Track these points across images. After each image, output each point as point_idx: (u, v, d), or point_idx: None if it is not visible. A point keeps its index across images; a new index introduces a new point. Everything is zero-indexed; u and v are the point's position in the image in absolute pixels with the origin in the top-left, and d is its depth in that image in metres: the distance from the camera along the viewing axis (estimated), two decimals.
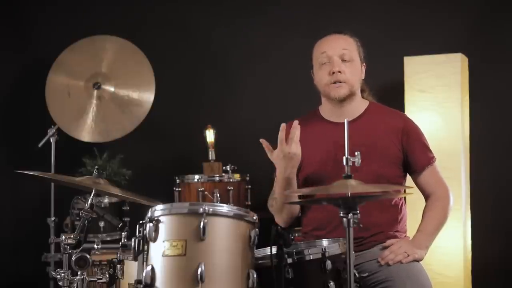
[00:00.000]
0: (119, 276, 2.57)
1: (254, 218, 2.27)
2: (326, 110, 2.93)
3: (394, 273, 2.62)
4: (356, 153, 2.28)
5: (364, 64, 2.92)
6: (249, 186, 4.20)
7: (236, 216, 2.24)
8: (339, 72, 2.81)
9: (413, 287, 2.57)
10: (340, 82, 2.81)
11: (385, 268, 2.65)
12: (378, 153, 2.78)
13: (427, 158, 2.87)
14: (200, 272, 2.11)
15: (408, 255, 2.67)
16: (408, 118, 2.96)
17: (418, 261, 2.71)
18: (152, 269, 2.18)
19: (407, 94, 4.04)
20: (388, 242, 2.74)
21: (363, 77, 2.93)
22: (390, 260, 2.66)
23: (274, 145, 3.01)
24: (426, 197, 2.89)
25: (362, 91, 2.97)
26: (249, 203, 4.18)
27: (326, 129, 2.89)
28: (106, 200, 4.13)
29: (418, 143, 2.87)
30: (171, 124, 4.81)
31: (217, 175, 4.15)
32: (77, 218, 3.98)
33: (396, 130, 2.84)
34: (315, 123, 2.94)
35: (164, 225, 2.22)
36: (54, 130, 4.31)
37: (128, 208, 4.23)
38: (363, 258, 2.70)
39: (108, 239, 4.10)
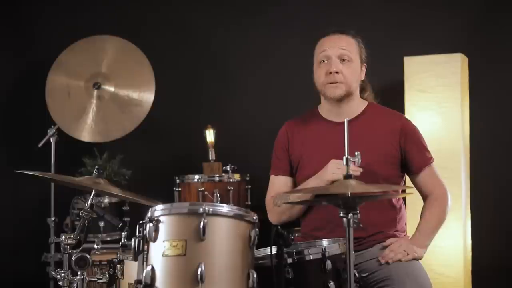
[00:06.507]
0: (119, 276, 2.56)
1: (254, 218, 2.26)
2: (325, 109, 2.93)
3: (393, 271, 2.62)
4: (356, 153, 2.28)
5: (365, 65, 2.91)
6: (249, 186, 4.20)
7: (236, 216, 2.23)
8: (336, 72, 2.80)
9: (412, 286, 2.57)
10: (337, 83, 2.81)
11: (385, 267, 2.65)
12: (376, 154, 2.77)
13: (425, 159, 2.86)
14: (200, 272, 2.10)
15: (407, 254, 2.67)
16: (406, 119, 2.94)
17: (417, 260, 2.71)
18: (152, 269, 2.18)
19: (407, 94, 4.04)
20: (388, 241, 2.75)
21: (363, 78, 2.92)
22: (390, 258, 2.66)
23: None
24: (424, 197, 2.89)
25: (362, 91, 2.97)
26: (249, 203, 4.18)
27: (325, 129, 2.89)
28: (106, 200, 4.13)
29: (416, 144, 2.85)
30: (171, 124, 4.80)
31: (217, 175, 4.15)
32: (77, 218, 3.98)
33: (394, 131, 2.83)
34: (315, 122, 2.93)
35: (164, 225, 2.22)
36: (54, 130, 4.31)
37: (128, 208, 4.23)
38: (362, 258, 2.70)
39: (108, 239, 4.10)
